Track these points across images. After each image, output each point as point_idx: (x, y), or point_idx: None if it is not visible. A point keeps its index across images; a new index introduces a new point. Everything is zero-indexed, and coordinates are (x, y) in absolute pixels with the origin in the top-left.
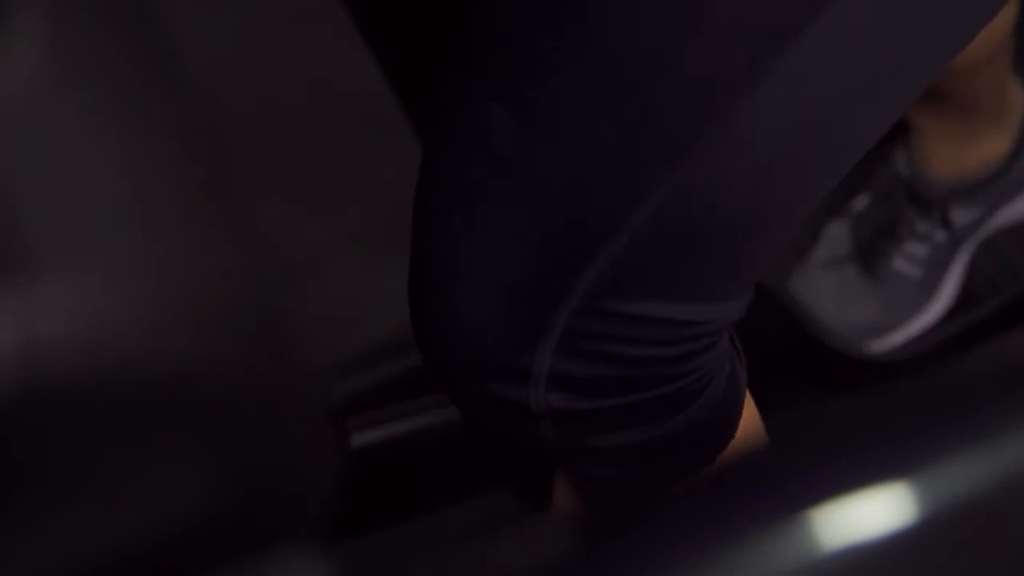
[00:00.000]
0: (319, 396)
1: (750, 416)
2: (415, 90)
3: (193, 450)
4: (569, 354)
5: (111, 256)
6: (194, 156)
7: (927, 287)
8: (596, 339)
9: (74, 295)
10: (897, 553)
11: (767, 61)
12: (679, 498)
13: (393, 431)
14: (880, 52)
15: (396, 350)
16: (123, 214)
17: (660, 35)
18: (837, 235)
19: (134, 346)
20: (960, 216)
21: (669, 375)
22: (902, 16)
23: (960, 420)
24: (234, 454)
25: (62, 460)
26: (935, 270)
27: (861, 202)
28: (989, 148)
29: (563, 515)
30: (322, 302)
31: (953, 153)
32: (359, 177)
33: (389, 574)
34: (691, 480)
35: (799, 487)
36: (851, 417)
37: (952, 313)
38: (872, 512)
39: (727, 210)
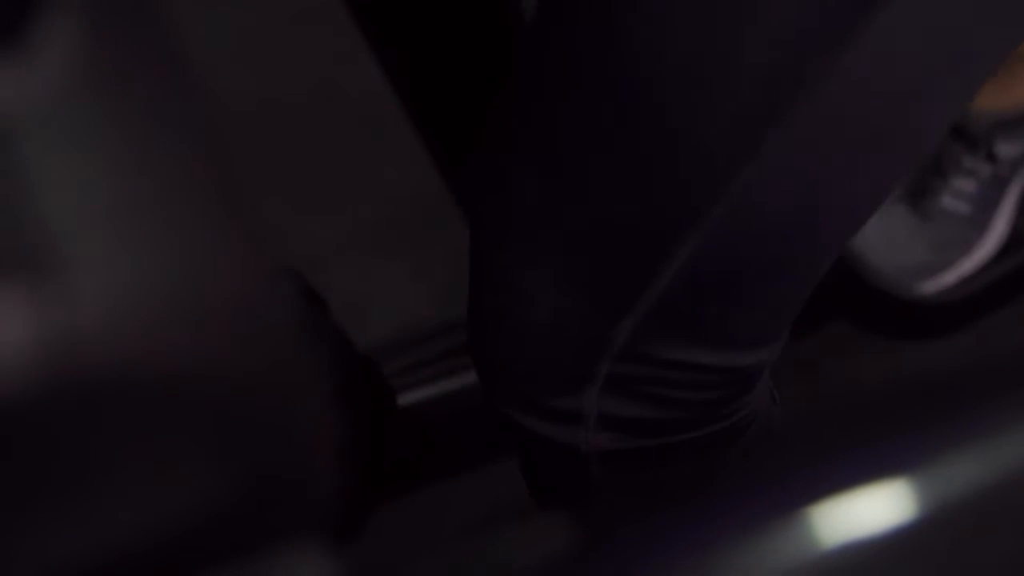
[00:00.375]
0: (321, 395)
1: None
2: (415, 90)
3: (195, 449)
4: (616, 397)
5: (115, 256)
6: (198, 156)
7: (977, 224)
8: (641, 383)
9: (79, 294)
10: (896, 550)
11: (819, 70)
12: (679, 495)
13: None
14: (934, 50)
15: (397, 349)
16: (128, 214)
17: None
18: None
19: (137, 345)
20: (1006, 150)
21: (715, 415)
22: (953, 15)
23: (960, 416)
24: (236, 453)
25: (65, 459)
26: (984, 206)
27: None
28: None
29: (564, 511)
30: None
31: (997, 86)
32: (359, 177)
33: (392, 573)
34: (689, 476)
35: (798, 484)
36: (850, 413)
37: (1003, 253)
38: (872, 509)
39: (770, 244)
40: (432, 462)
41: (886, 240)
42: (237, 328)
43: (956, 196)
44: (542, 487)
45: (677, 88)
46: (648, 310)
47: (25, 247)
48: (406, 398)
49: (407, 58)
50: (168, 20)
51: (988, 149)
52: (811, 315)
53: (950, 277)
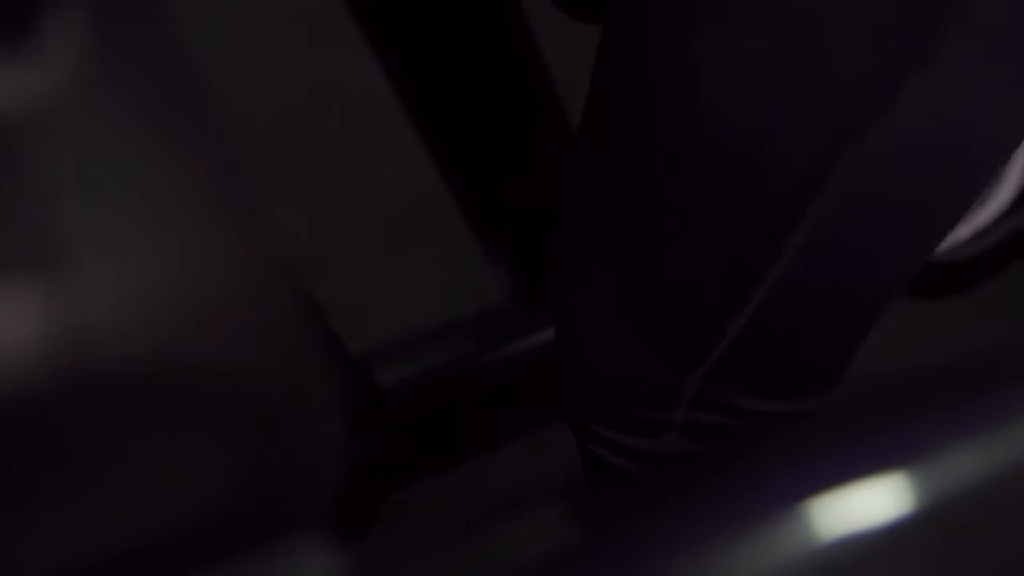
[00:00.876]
0: (327, 390)
1: None
2: (416, 90)
3: (198, 446)
4: (692, 433)
5: (120, 254)
6: (200, 155)
7: None
8: (714, 420)
9: (84, 292)
10: (894, 544)
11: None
12: (677, 491)
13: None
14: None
15: (398, 349)
16: (132, 212)
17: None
18: None
19: (141, 342)
20: None
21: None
22: None
23: (958, 409)
24: (240, 450)
25: (69, 455)
26: None
27: None
28: None
29: (563, 506)
30: (325, 302)
31: None
32: (359, 177)
33: (397, 565)
34: (687, 470)
35: (797, 477)
36: (848, 407)
37: (1016, 206)
38: (870, 502)
39: (841, 280)
40: (430, 459)
41: None
42: (240, 326)
43: None
44: (602, 476)
45: (753, 125)
46: (719, 358)
47: (30, 245)
48: (406, 397)
49: (408, 58)
50: (170, 19)
51: None
52: None
53: (964, 231)
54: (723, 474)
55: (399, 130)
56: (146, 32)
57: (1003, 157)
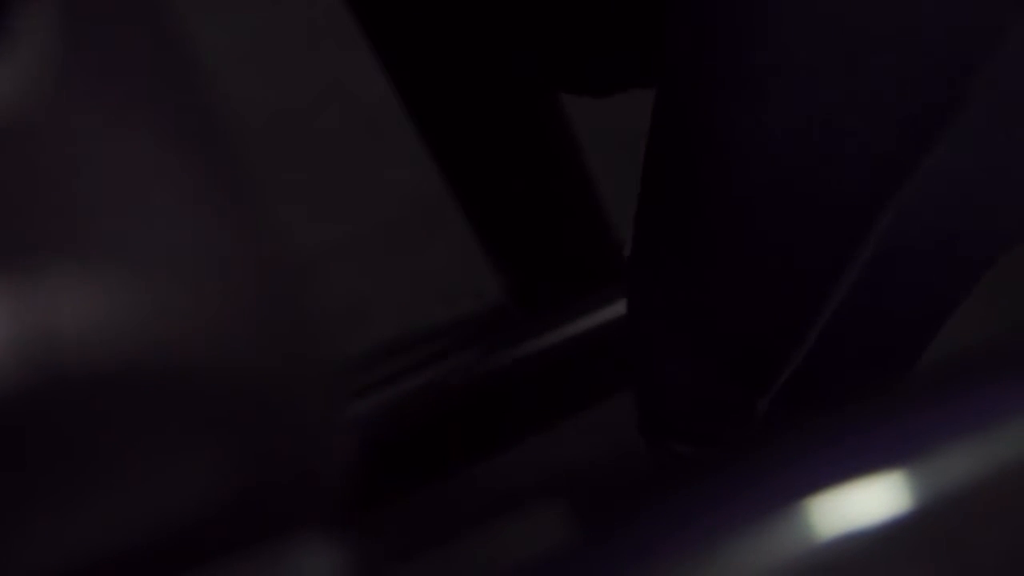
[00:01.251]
0: (327, 390)
1: None
2: (417, 91)
3: (201, 443)
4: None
5: (118, 251)
6: (201, 155)
7: None
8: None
9: (85, 289)
10: (892, 543)
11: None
12: (676, 488)
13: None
14: None
15: (399, 348)
16: (135, 210)
17: None
18: None
19: (141, 340)
20: None
21: None
22: None
23: (956, 406)
24: (243, 447)
25: (69, 455)
26: None
27: None
28: None
29: (563, 506)
30: (325, 302)
31: None
32: (360, 178)
33: (397, 564)
34: (686, 470)
35: (796, 476)
36: (846, 404)
37: None
38: (868, 500)
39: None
40: (431, 458)
41: None
42: (239, 326)
43: None
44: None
45: (821, 142)
46: (788, 380)
47: (27, 243)
48: (405, 396)
49: (410, 59)
50: (172, 22)
51: None
52: None
53: None
54: (722, 473)
55: (399, 131)
56: (132, 30)
57: None
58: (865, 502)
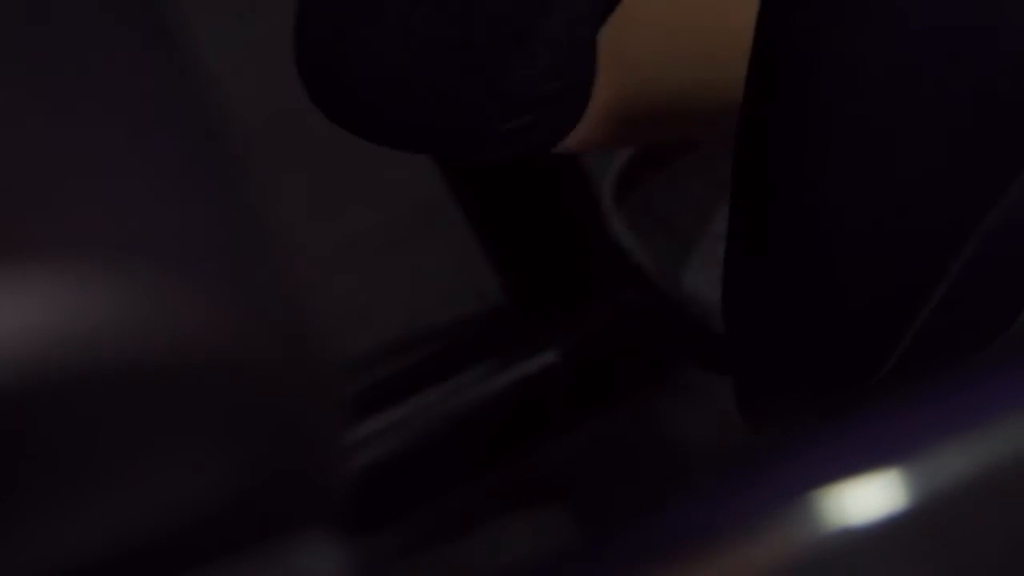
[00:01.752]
0: (331, 389)
1: None
2: None
3: (203, 442)
4: None
5: (122, 251)
6: (201, 156)
7: None
8: None
9: (84, 288)
10: (890, 539)
11: None
12: (675, 488)
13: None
14: None
15: (400, 348)
16: (135, 210)
17: None
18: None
19: (144, 339)
20: None
21: None
22: None
23: (953, 403)
24: (245, 446)
25: (73, 452)
26: None
27: None
28: None
29: (563, 506)
30: (325, 302)
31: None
32: (360, 178)
33: (397, 564)
34: (684, 470)
35: (795, 473)
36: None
37: None
38: (866, 497)
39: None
40: (436, 458)
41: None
42: (239, 326)
43: None
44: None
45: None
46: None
47: (29, 239)
48: (406, 396)
49: None
50: (171, 22)
51: None
52: None
53: None
54: (721, 473)
55: None
56: (137, 23)
57: None
58: (863, 499)
